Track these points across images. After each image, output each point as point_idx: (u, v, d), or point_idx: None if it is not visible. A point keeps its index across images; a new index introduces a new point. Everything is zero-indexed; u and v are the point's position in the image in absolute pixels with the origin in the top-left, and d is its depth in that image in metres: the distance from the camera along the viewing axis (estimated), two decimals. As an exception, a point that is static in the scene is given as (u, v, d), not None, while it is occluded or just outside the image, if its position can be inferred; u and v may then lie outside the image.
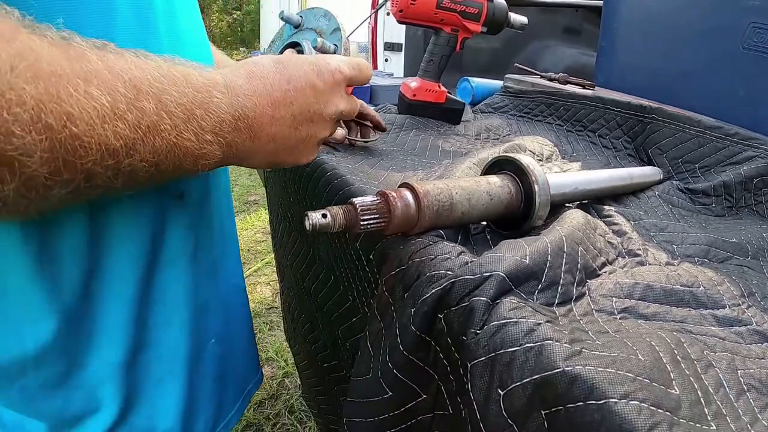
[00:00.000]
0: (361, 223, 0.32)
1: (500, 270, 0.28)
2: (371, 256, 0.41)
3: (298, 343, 0.77)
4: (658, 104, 0.75)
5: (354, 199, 0.33)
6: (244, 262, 2.20)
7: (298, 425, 1.35)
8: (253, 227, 2.59)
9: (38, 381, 0.39)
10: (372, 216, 0.32)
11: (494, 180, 0.39)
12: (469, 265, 0.30)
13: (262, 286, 2.01)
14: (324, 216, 0.31)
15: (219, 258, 0.51)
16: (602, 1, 0.97)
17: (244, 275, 2.07)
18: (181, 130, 0.28)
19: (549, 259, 0.31)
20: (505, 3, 0.78)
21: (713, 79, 0.78)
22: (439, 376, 0.32)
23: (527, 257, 0.30)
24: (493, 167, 0.42)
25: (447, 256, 0.32)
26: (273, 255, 0.96)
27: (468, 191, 0.36)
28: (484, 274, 0.28)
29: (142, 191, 0.34)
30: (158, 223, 0.41)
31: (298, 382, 1.35)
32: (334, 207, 0.32)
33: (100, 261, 0.37)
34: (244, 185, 3.24)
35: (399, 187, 0.35)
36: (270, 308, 1.86)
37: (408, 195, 0.34)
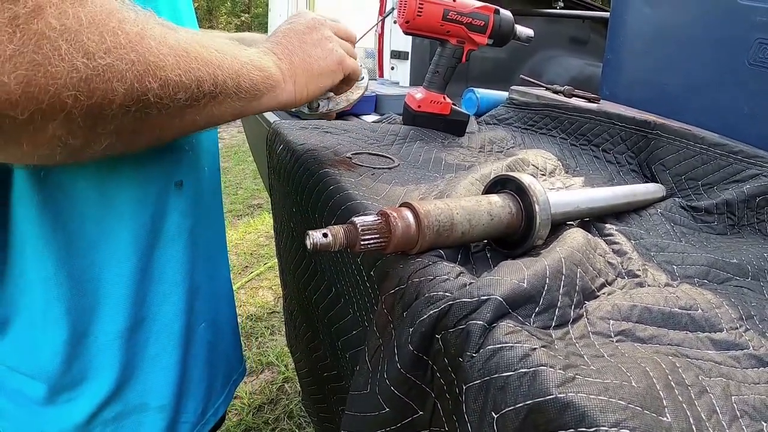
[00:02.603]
0: (362, 242, 0.32)
1: (498, 294, 0.29)
2: (372, 273, 0.41)
3: (300, 351, 0.77)
4: (663, 119, 0.75)
5: (355, 218, 0.33)
6: (246, 266, 2.21)
7: (297, 430, 1.36)
8: (256, 231, 2.60)
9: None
10: (372, 236, 0.32)
11: (495, 200, 0.39)
12: (468, 287, 0.30)
13: (264, 290, 2.02)
14: (325, 235, 0.31)
15: (211, 248, 0.56)
16: (609, 13, 0.97)
17: (247, 279, 2.08)
18: (239, 59, 0.40)
19: (547, 282, 0.31)
20: (511, 15, 0.78)
21: (719, 95, 0.78)
22: (435, 394, 0.33)
23: (525, 281, 0.30)
24: (496, 185, 0.43)
25: (446, 277, 0.32)
26: (276, 259, 0.97)
27: (469, 211, 0.37)
28: (482, 298, 0.29)
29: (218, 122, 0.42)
30: (159, 206, 0.46)
31: (298, 387, 1.35)
32: (335, 226, 0.32)
33: (105, 234, 0.43)
34: (249, 189, 3.26)
35: (400, 206, 0.35)
36: (271, 312, 1.87)
37: (408, 215, 0.34)
